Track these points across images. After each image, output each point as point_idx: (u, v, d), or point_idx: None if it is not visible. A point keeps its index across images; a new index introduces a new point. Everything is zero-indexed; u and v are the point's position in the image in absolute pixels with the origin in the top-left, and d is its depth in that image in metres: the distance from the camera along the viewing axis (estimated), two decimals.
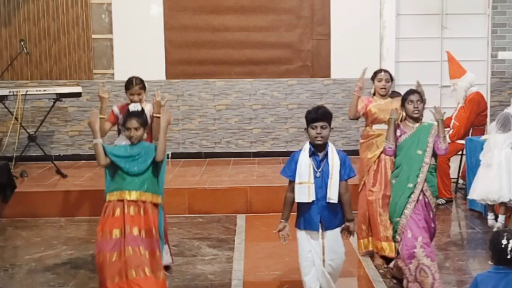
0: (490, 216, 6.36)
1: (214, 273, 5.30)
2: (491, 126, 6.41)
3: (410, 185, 4.78)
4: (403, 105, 4.95)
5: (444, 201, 7.35)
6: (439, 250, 5.77)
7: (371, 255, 5.59)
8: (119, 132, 5.53)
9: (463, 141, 7.31)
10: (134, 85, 5.37)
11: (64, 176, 7.69)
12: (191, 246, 5.99)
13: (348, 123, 8.70)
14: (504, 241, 3.33)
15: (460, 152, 7.62)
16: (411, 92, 4.95)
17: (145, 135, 4.61)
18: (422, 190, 4.78)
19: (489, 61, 8.86)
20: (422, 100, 4.92)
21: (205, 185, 7.30)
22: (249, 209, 7.12)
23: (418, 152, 4.81)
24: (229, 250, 5.85)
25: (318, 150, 4.22)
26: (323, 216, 4.20)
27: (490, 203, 6.21)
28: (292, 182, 4.28)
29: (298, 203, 4.25)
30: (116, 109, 5.54)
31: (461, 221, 7.01)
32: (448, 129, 7.64)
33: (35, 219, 6.91)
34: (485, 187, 6.14)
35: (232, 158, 8.78)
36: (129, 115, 4.55)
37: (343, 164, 4.23)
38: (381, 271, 5.27)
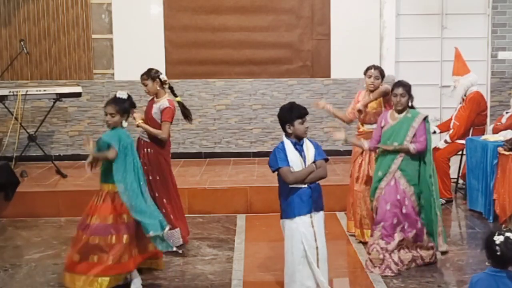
0: None
1: (214, 273, 5.30)
2: None
3: (380, 174, 5.21)
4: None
5: (444, 201, 7.34)
6: None
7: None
8: None
9: (463, 141, 7.30)
10: (140, 76, 5.82)
11: (64, 176, 7.69)
12: (191, 246, 5.98)
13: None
14: (495, 237, 3.36)
15: (460, 152, 7.62)
16: (397, 85, 5.21)
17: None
18: (394, 177, 5.15)
19: (489, 61, 8.86)
20: (407, 93, 5.18)
21: (205, 185, 7.30)
22: (249, 209, 7.12)
23: (394, 144, 5.17)
24: (229, 250, 5.85)
25: (297, 141, 4.62)
26: (313, 198, 4.54)
27: None
28: (284, 168, 4.57)
29: (291, 188, 4.56)
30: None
31: (461, 221, 7.01)
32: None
33: (35, 219, 6.91)
34: None
35: (232, 158, 8.78)
36: (108, 101, 4.80)
37: (316, 148, 4.63)
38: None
